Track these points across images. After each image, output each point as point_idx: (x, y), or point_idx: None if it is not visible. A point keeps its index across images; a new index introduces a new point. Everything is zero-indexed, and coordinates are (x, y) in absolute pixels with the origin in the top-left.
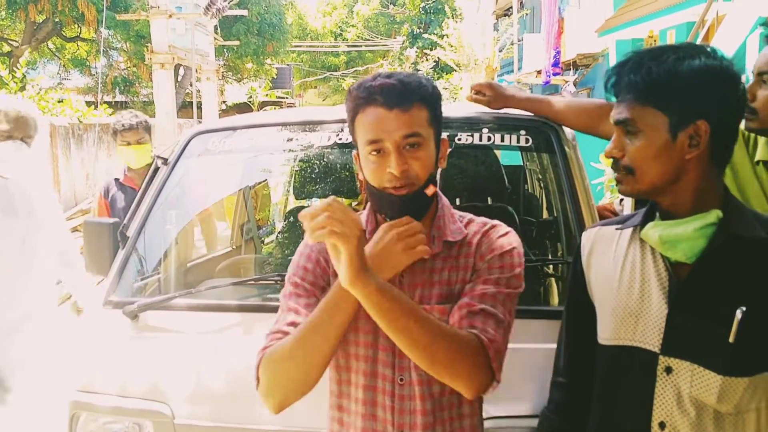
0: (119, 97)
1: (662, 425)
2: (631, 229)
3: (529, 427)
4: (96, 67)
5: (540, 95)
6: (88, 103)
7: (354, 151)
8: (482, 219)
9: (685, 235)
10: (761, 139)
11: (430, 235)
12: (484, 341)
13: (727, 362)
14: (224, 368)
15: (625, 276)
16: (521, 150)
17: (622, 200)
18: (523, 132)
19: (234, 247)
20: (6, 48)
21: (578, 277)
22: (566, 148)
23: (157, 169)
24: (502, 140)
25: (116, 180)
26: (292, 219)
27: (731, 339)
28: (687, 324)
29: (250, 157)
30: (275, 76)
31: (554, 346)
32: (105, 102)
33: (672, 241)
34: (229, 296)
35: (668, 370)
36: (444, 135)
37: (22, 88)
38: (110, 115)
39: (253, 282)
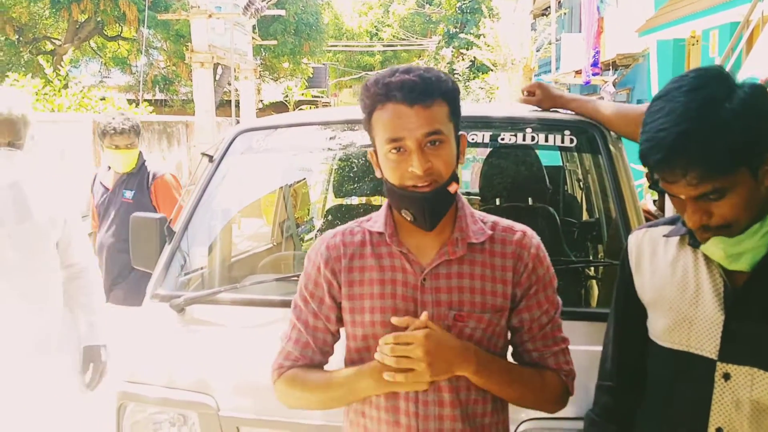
0: (159, 95)
1: (719, 431)
2: (679, 237)
3: (572, 429)
4: (137, 66)
5: (588, 97)
6: (129, 101)
7: (369, 149)
8: (507, 222)
9: (750, 246)
10: None
11: (453, 238)
12: (564, 379)
13: None
14: (268, 362)
15: (676, 281)
16: (566, 150)
17: (656, 201)
18: (567, 132)
19: (274, 243)
20: (49, 46)
21: (627, 280)
22: (612, 149)
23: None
24: (546, 140)
25: (98, 178)
26: (330, 217)
27: None
28: (745, 329)
29: (292, 155)
30: (311, 76)
31: (596, 348)
32: (145, 100)
33: (736, 255)
34: (273, 291)
35: (726, 376)
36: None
37: (66, 86)
38: (151, 113)
39: (296, 278)
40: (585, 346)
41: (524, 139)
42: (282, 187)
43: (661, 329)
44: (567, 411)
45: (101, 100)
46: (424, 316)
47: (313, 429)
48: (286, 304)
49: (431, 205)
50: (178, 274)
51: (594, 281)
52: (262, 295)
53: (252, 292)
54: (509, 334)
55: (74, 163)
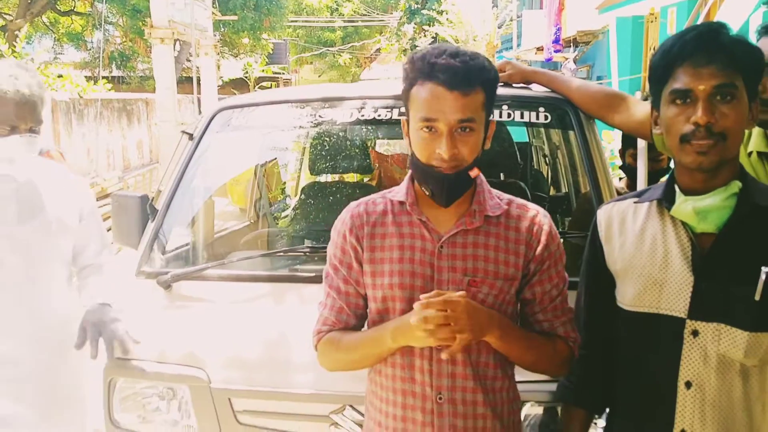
0: (116, 72)
1: (688, 384)
2: (648, 203)
3: (545, 391)
4: (92, 42)
5: (556, 72)
6: (87, 78)
7: (403, 118)
8: (521, 201)
9: (715, 205)
10: (754, 131)
11: (471, 210)
12: (572, 347)
13: (754, 319)
14: (257, 335)
15: (645, 247)
16: (540, 126)
17: (621, 178)
18: (542, 109)
19: (251, 221)
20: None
21: (596, 251)
22: (584, 125)
23: None
24: (521, 117)
25: None
26: (304, 196)
27: (757, 297)
28: (713, 288)
29: (271, 132)
30: (271, 52)
31: None
32: (102, 77)
33: (704, 212)
34: (259, 267)
35: (695, 333)
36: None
37: (27, 62)
38: (110, 90)
39: (282, 253)
40: None
41: (500, 116)
42: (257, 166)
43: (631, 295)
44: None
45: (59, 77)
46: (461, 293)
47: (302, 398)
48: (273, 279)
49: (450, 186)
50: (163, 252)
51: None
52: (248, 270)
53: (238, 268)
54: (519, 306)
55: None
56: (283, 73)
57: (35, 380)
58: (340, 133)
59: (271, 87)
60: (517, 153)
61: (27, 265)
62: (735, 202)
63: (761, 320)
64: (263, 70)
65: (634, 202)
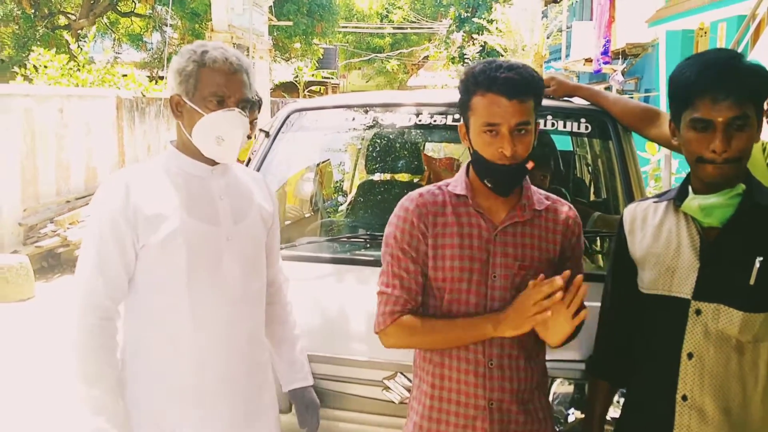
0: None
1: (690, 355)
2: (666, 202)
3: (575, 369)
4: (151, 43)
5: (597, 88)
6: (149, 78)
7: (459, 123)
8: (554, 196)
9: (719, 203)
10: None
11: (521, 204)
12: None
13: (748, 301)
14: (320, 308)
15: (662, 238)
16: (580, 136)
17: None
18: (583, 120)
19: (312, 213)
20: (62, 21)
21: (621, 243)
22: (622, 136)
23: None
24: (565, 126)
25: None
26: (360, 191)
27: (751, 282)
28: (715, 274)
29: (335, 133)
30: (321, 57)
31: (596, 303)
32: (160, 77)
33: (709, 208)
34: (323, 251)
35: (698, 311)
36: None
37: (91, 61)
38: None
39: (345, 239)
40: (592, 302)
41: (545, 125)
42: (318, 164)
43: (648, 280)
44: (575, 354)
45: (123, 76)
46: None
47: (359, 364)
48: (335, 261)
49: (510, 177)
50: None
51: (600, 251)
52: (314, 252)
53: (306, 250)
54: None
55: (99, 139)
56: (332, 78)
57: (244, 400)
58: (397, 136)
59: (320, 91)
60: (560, 161)
61: (242, 272)
62: (738, 201)
63: (754, 302)
64: (313, 75)
65: (654, 202)
